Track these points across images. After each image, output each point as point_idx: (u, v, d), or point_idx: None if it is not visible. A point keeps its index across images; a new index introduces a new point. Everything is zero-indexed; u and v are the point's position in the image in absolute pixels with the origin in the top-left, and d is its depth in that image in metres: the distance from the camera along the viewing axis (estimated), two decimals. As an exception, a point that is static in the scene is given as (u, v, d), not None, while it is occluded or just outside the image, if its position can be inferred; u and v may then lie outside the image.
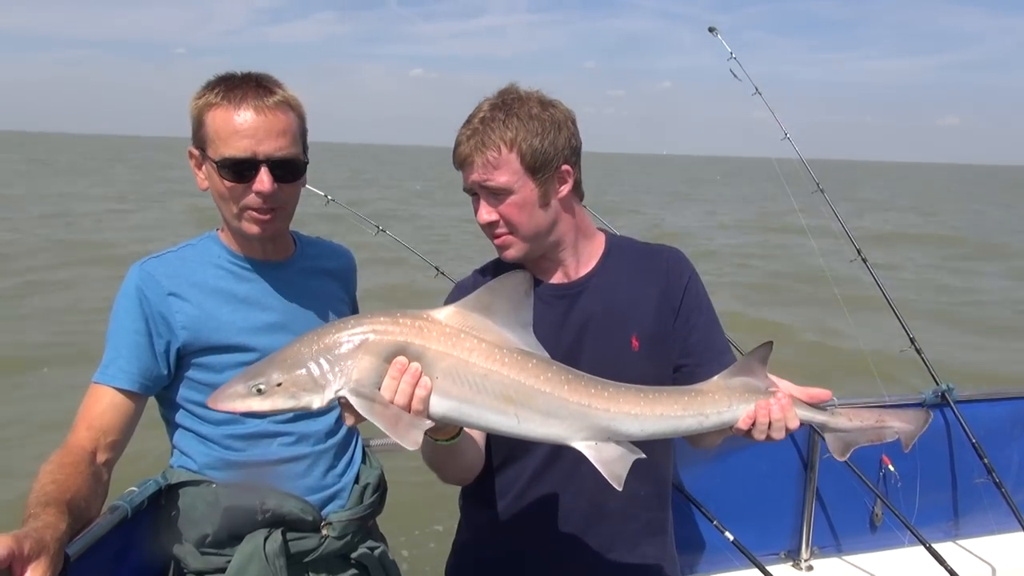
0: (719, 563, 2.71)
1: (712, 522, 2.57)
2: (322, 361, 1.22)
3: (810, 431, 2.80)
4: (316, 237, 1.94)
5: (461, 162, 1.58)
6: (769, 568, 2.59)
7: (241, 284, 1.71)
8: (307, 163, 1.70)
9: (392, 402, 1.22)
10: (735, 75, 3.06)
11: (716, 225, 25.85)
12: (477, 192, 1.60)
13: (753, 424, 1.42)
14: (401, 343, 1.24)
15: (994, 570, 2.91)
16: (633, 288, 1.69)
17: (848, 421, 1.51)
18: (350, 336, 1.24)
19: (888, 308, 3.05)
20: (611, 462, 1.33)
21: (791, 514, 2.89)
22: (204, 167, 1.66)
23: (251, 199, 1.62)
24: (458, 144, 1.58)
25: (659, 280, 1.70)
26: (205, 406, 1.65)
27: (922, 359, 2.98)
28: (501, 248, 1.63)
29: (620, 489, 1.31)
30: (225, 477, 1.67)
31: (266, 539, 1.63)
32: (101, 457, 1.57)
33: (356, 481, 1.80)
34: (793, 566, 2.89)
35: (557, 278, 1.69)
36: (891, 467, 2.87)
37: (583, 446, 1.33)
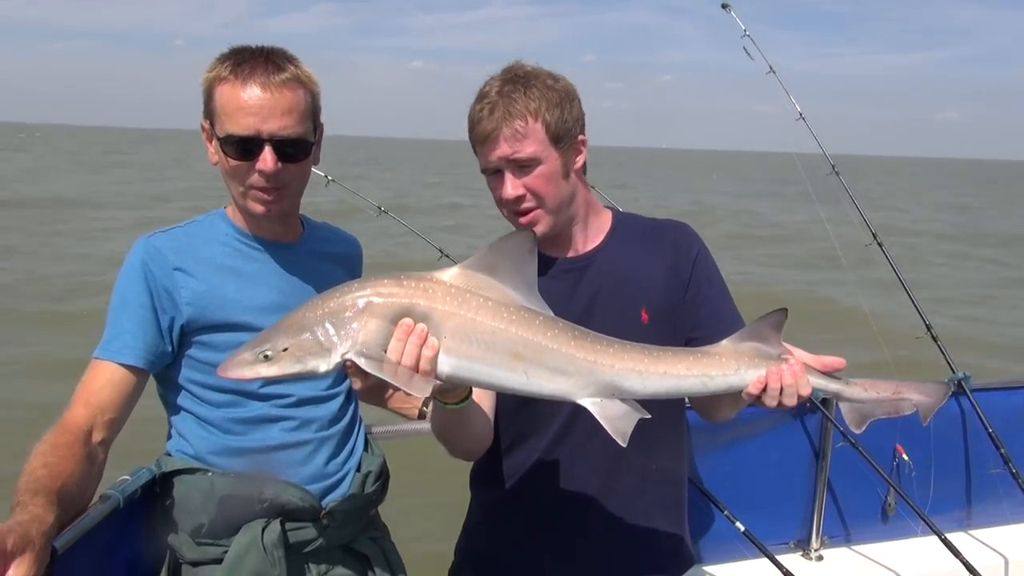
0: (729, 552, 2.67)
1: (723, 512, 2.54)
2: (327, 325, 1.24)
3: (822, 420, 2.76)
4: (324, 223, 1.91)
5: (484, 138, 1.55)
6: (779, 558, 2.56)
7: (248, 262, 1.68)
8: (314, 143, 1.66)
9: (400, 364, 1.22)
10: (748, 53, 2.99)
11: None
12: (501, 168, 1.57)
13: (764, 390, 1.40)
14: (406, 304, 1.25)
15: (1008, 561, 2.87)
16: (642, 262, 1.68)
17: (864, 391, 1.46)
18: (354, 299, 1.25)
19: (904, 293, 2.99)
20: (615, 419, 1.33)
21: (802, 503, 2.86)
22: (214, 141, 1.63)
23: (255, 178, 1.59)
24: (478, 121, 1.55)
25: (667, 253, 1.69)
26: (207, 387, 1.64)
27: (938, 346, 2.92)
28: (528, 225, 1.60)
29: (624, 445, 1.32)
30: (224, 464, 1.63)
31: (264, 529, 1.59)
32: (97, 436, 1.53)
33: (358, 469, 1.76)
34: (803, 556, 2.86)
35: (565, 252, 1.69)
36: (905, 456, 2.83)
37: (589, 403, 1.34)
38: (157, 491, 1.67)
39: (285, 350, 1.24)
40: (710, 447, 2.60)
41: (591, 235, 1.70)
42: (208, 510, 1.60)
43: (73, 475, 1.40)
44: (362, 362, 1.22)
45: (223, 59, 1.60)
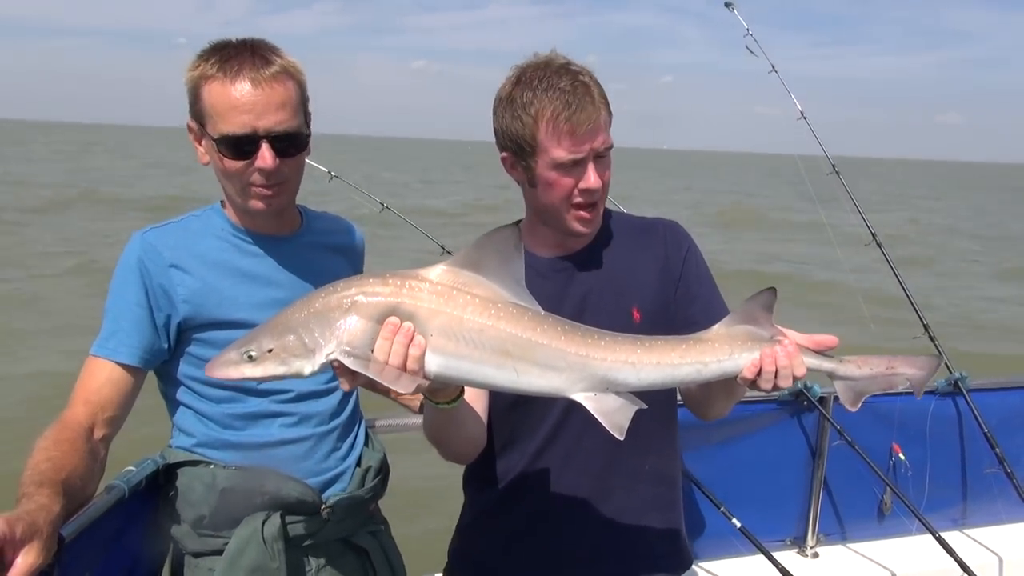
0: (724, 549, 2.69)
1: (719, 508, 2.55)
2: (312, 325, 1.22)
3: (819, 417, 2.77)
4: (324, 212, 1.88)
5: (581, 128, 1.50)
6: (775, 554, 2.57)
7: (245, 258, 1.67)
8: (309, 135, 1.65)
9: (387, 363, 1.21)
10: (751, 51, 2.99)
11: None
12: (587, 159, 1.53)
13: (759, 373, 1.38)
14: (392, 303, 1.23)
15: (1002, 560, 2.89)
16: (632, 260, 1.67)
17: (858, 368, 1.46)
18: (340, 299, 1.24)
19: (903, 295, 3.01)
20: (611, 412, 1.31)
21: (798, 501, 2.87)
22: (204, 142, 1.61)
23: (254, 176, 1.57)
24: (573, 111, 1.49)
25: (658, 251, 1.68)
26: (206, 383, 1.63)
27: (935, 346, 2.93)
28: (588, 222, 1.59)
29: (622, 439, 1.29)
30: (224, 458, 1.64)
31: (264, 522, 1.60)
32: (98, 433, 1.53)
33: (358, 464, 1.76)
34: (799, 553, 2.88)
35: (554, 250, 1.66)
36: (901, 455, 2.85)
37: (583, 397, 1.31)
38: (161, 482, 1.68)
39: (270, 351, 1.23)
40: (707, 444, 2.61)
41: None
42: (210, 502, 1.61)
43: (76, 469, 1.41)
44: (349, 361, 1.21)
45: (206, 56, 1.57)
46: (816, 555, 2.87)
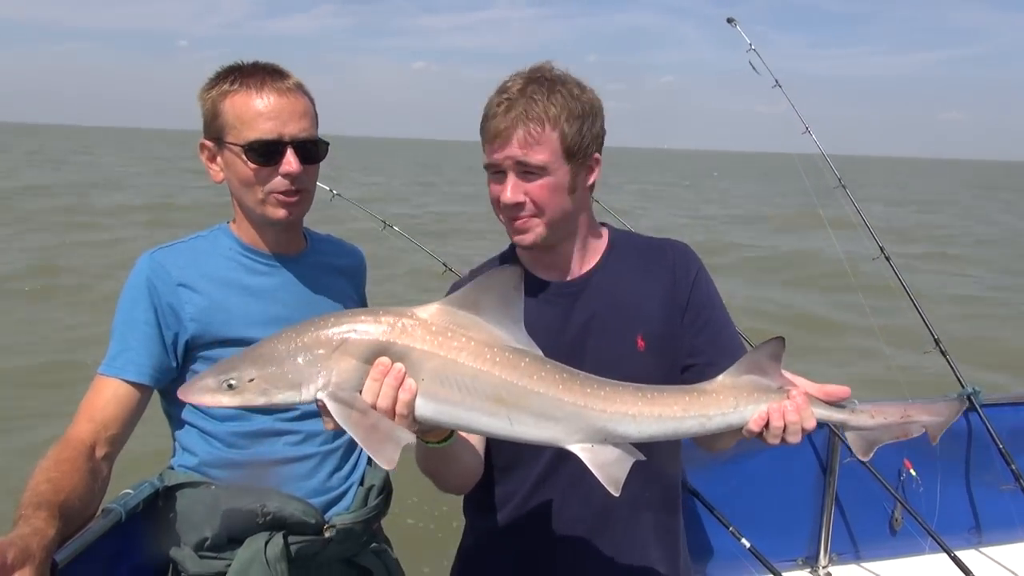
0: (735, 570, 2.64)
1: (728, 528, 2.52)
2: (299, 360, 1.17)
3: (829, 434, 2.74)
4: (328, 235, 1.91)
5: (495, 135, 1.47)
6: (786, 575, 2.53)
7: (252, 276, 1.68)
8: (328, 144, 1.70)
9: (375, 406, 1.16)
10: (754, 67, 2.99)
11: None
12: (505, 169, 1.48)
13: (766, 427, 1.33)
14: (383, 343, 1.18)
15: None
16: (638, 285, 1.62)
17: (871, 418, 1.41)
18: (329, 334, 1.19)
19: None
20: (607, 465, 1.26)
21: (809, 520, 2.83)
22: (220, 158, 1.65)
23: (277, 182, 1.61)
24: (492, 116, 1.47)
25: (665, 276, 1.63)
26: None
27: (947, 361, 2.89)
28: (518, 231, 1.53)
29: (617, 495, 1.25)
30: (227, 477, 1.63)
31: (267, 542, 1.58)
32: (100, 451, 1.53)
33: (361, 483, 1.75)
34: (811, 573, 2.84)
35: (559, 274, 1.62)
36: (912, 472, 2.80)
37: (578, 448, 1.26)
38: (160, 505, 1.67)
39: (251, 381, 1.17)
40: (715, 462, 2.57)
41: (588, 256, 1.64)
42: (211, 523, 1.60)
43: (76, 489, 1.40)
44: (332, 407, 1.15)
45: (223, 76, 1.63)
46: (829, 575, 2.82)
